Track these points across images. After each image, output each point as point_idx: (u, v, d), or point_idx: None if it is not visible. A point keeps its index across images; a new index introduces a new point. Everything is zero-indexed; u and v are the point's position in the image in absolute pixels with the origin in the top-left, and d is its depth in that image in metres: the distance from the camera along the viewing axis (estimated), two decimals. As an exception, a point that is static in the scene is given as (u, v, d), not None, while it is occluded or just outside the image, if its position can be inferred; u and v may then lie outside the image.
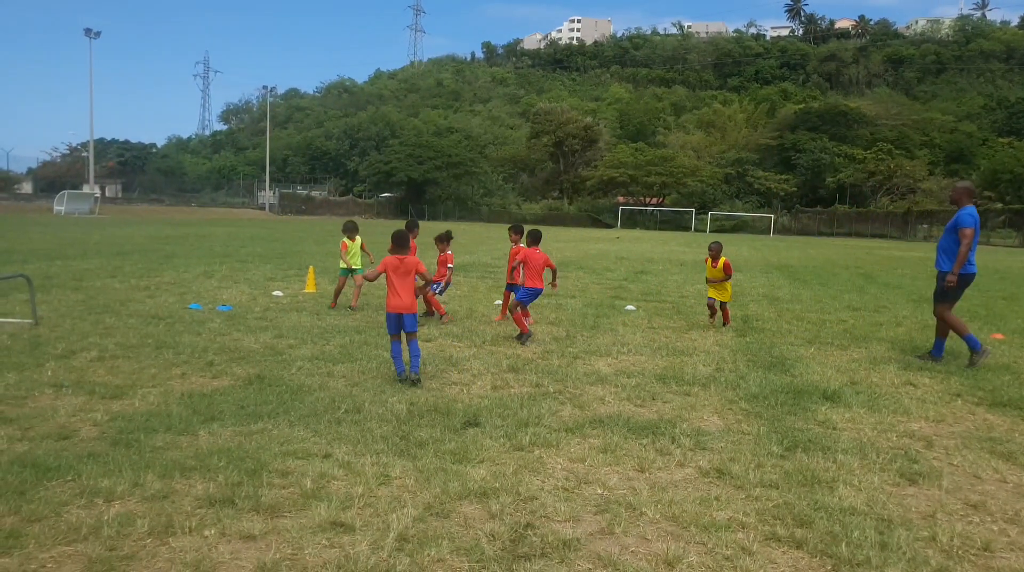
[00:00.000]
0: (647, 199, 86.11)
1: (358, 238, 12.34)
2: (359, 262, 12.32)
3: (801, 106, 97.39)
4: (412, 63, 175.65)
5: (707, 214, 77.12)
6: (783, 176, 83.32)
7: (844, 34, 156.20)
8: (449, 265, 11.09)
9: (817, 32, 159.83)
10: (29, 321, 9.15)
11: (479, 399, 6.48)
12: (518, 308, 9.45)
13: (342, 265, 12.25)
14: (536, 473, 4.78)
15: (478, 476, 4.64)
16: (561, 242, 37.09)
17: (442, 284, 10.96)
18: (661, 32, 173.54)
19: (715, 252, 10.75)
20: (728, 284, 10.88)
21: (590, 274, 19.29)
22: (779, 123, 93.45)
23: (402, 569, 3.47)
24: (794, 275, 21.51)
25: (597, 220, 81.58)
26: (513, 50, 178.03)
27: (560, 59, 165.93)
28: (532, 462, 4.96)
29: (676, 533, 3.98)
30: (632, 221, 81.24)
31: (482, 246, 32.25)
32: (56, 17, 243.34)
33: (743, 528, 4.05)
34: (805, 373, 7.93)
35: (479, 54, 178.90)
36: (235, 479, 4.44)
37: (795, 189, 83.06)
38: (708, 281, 10.98)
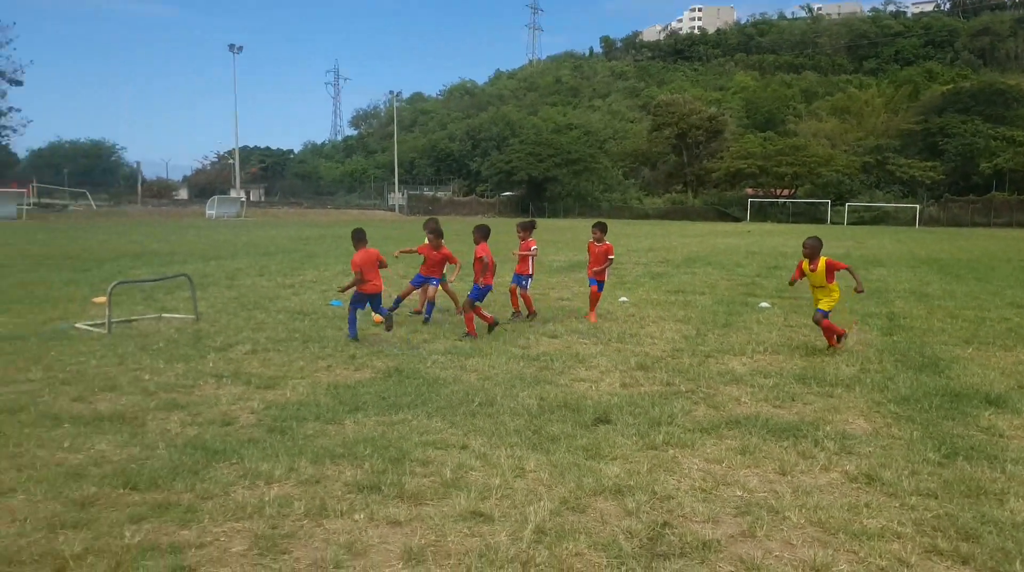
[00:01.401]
0: (777, 191, 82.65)
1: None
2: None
3: (949, 86, 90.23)
4: (531, 62, 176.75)
5: (844, 205, 72.98)
6: (929, 163, 77.51)
7: (999, 5, 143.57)
8: (532, 253, 10.24)
9: (967, 5, 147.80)
10: (191, 317, 9.98)
11: (609, 396, 6.47)
12: (471, 307, 9.15)
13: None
14: (671, 472, 4.73)
15: (612, 473, 4.65)
16: (687, 237, 36.30)
17: (527, 278, 10.36)
18: (788, 16, 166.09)
19: (812, 250, 8.50)
20: (835, 287, 8.55)
21: (719, 270, 18.77)
22: (923, 106, 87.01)
23: (541, 561, 3.54)
24: (945, 269, 20.02)
25: (724, 213, 79.09)
26: (632, 43, 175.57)
27: (681, 49, 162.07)
28: (667, 461, 4.92)
29: (823, 540, 3.83)
30: (762, 214, 78.18)
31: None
32: (203, 35, 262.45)
33: (899, 538, 3.84)
34: (963, 375, 7.39)
35: (597, 49, 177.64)
36: (380, 467, 4.66)
37: (943, 177, 77.04)
38: (813, 287, 8.70)
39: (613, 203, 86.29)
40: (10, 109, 67.68)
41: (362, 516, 3.99)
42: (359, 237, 8.97)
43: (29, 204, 52.55)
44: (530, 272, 10.35)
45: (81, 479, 4.38)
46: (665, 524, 3.96)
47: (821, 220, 73.59)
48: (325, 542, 3.69)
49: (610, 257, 10.56)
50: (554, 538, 3.76)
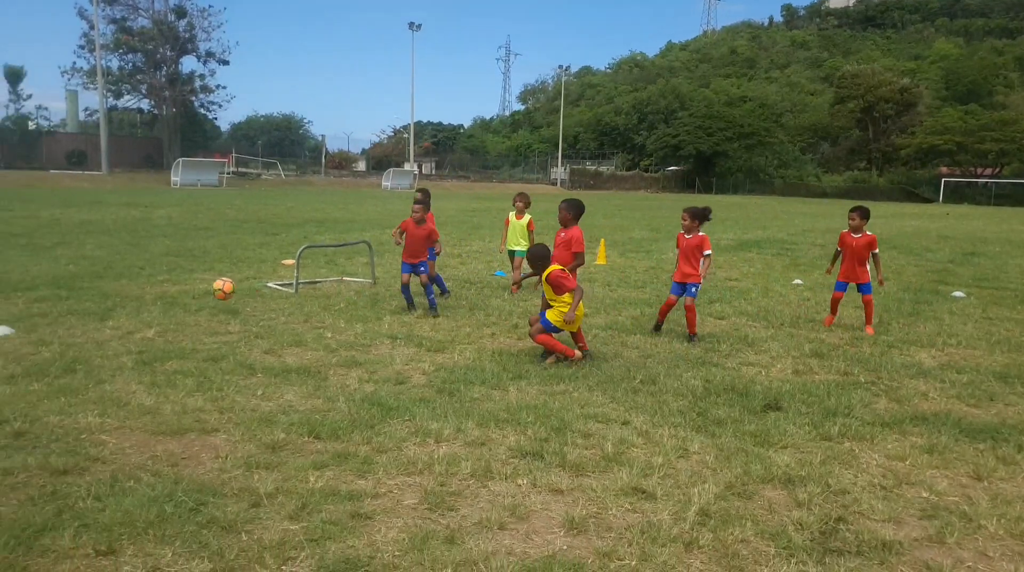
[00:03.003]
0: (978, 170, 74.79)
1: (527, 215, 10.46)
2: (520, 243, 10.38)
3: None
4: (705, 32, 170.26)
5: (1059, 187, 64.81)
6: None
7: None
8: (706, 255, 7.62)
9: None
10: (369, 281, 10.62)
11: (780, 383, 6.18)
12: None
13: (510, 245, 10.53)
14: (848, 466, 4.45)
15: (782, 461, 4.45)
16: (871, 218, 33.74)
17: (695, 286, 7.65)
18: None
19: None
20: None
21: (906, 254, 17.32)
22: None
23: (705, 543, 3.46)
24: None
25: (912, 193, 72.70)
26: (817, 11, 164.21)
27: (872, 16, 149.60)
28: (842, 454, 4.63)
29: (1025, 554, 3.46)
30: (957, 195, 71.13)
31: (776, 221, 30.51)
32: (387, 14, 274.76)
33: (1118, 561, 3.40)
34: None
35: (778, 18, 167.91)
36: (543, 435, 4.74)
37: None
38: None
39: (787, 180, 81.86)
40: (218, 86, 74.38)
41: (525, 481, 4.08)
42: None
43: (228, 172, 57.81)
44: (701, 277, 7.65)
45: (272, 425, 4.80)
46: (839, 519, 3.74)
47: (1030, 203, 65.85)
48: (490, 503, 3.81)
49: (874, 250, 8.30)
50: (719, 522, 3.66)
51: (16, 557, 3.13)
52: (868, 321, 8.38)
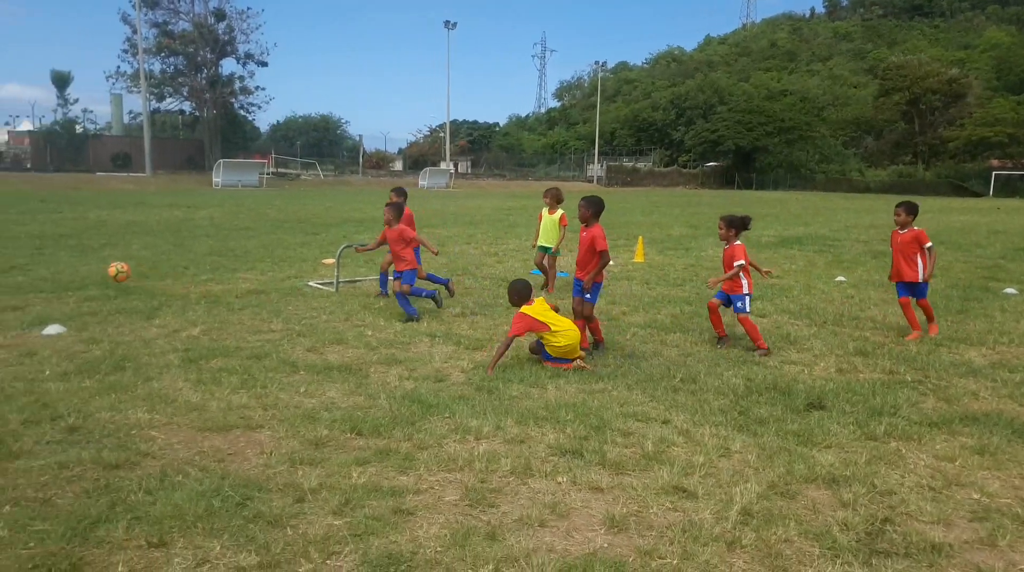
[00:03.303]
0: (1031, 163, 72.48)
1: (559, 210, 10.31)
2: (550, 239, 10.27)
3: None
4: (744, 26, 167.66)
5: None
6: None
7: None
8: (740, 267, 7.17)
9: None
10: (406, 279, 10.69)
11: (823, 381, 6.09)
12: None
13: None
14: (894, 466, 4.36)
15: (826, 461, 4.39)
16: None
17: (742, 298, 7.17)
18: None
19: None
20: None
21: (954, 250, 16.88)
22: None
23: (748, 543, 3.43)
24: None
25: (961, 187, 70.75)
26: (861, 0, 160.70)
27: (919, 5, 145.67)
28: (888, 454, 4.54)
29: (1082, 558, 3.36)
30: (1009, 188, 68.96)
31: (818, 217, 29.97)
32: (422, 14, 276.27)
33: None
34: None
35: (819, 9, 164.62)
36: (582, 433, 4.74)
37: None
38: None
39: (830, 175, 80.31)
40: (257, 88, 75.58)
41: (565, 479, 4.08)
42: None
43: (268, 173, 58.72)
44: (744, 291, 7.15)
45: (315, 421, 4.87)
46: (886, 520, 3.68)
47: (1085, 196, 63.74)
48: (530, 500, 3.82)
49: (927, 245, 7.69)
50: (761, 521, 3.63)
51: (73, 548, 3.24)
52: (930, 320, 7.91)
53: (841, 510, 3.79)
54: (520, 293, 6.48)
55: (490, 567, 3.17)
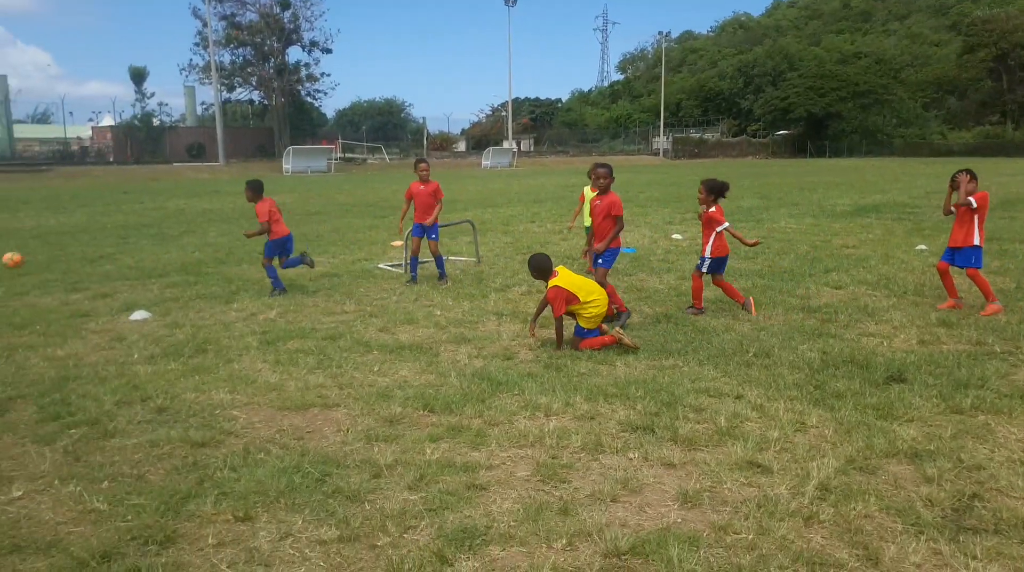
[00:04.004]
0: None
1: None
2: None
3: None
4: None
5: None
6: None
7: None
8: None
9: None
10: (474, 260, 10.80)
11: (903, 353, 5.88)
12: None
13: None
14: (982, 441, 4.19)
15: (908, 435, 4.25)
16: (1003, 175, 31.28)
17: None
18: None
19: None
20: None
21: (1044, 214, 15.97)
22: None
23: (826, 518, 3.36)
24: None
25: (1053, 148, 66.75)
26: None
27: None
28: (976, 428, 4.37)
29: None
30: (1105, 147, 64.77)
31: (896, 184, 28.78)
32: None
33: None
34: None
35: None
36: (652, 409, 4.71)
37: None
38: None
39: (908, 139, 76.89)
40: (322, 74, 76.77)
41: (636, 455, 4.07)
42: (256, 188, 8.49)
43: (336, 158, 59.80)
44: (707, 254, 7.37)
45: (389, 399, 4.99)
46: (974, 496, 3.54)
47: None
48: (602, 476, 3.83)
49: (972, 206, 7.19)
50: (840, 497, 3.54)
51: (167, 521, 3.41)
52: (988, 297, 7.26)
53: (925, 485, 3.67)
54: (542, 266, 6.36)
55: (563, 541, 3.19)
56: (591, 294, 6.20)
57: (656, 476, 3.84)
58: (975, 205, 7.18)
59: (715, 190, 7.44)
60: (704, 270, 7.43)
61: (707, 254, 7.37)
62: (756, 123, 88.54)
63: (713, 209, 7.39)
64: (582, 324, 6.25)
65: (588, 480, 3.79)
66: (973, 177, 7.36)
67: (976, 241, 7.24)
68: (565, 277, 6.23)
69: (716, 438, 4.27)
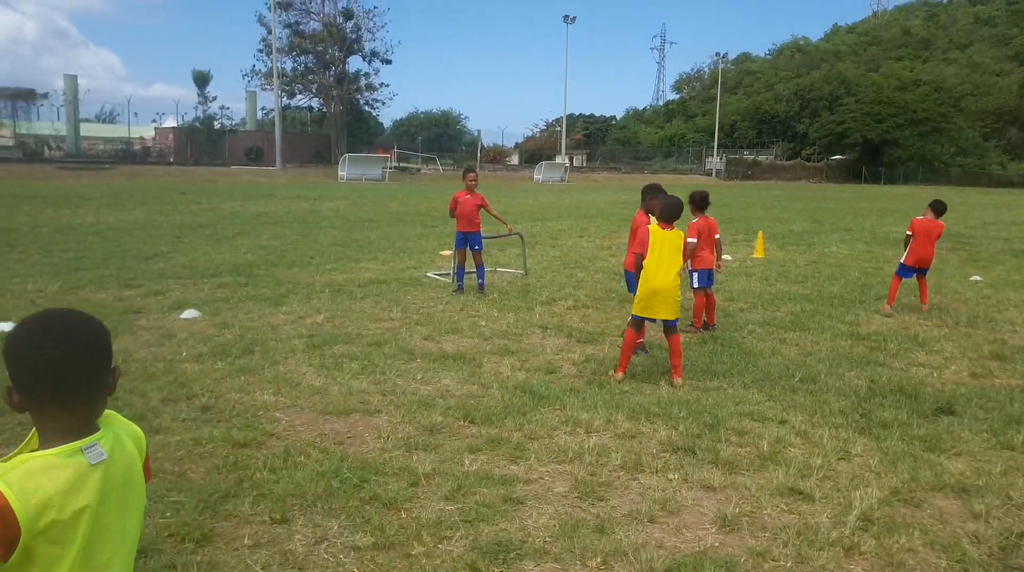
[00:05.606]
0: None
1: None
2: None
3: None
4: (875, 13, 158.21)
5: None
6: None
7: None
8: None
9: None
10: (521, 272, 10.86)
11: (954, 385, 5.73)
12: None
13: None
14: (1035, 480, 4.06)
15: (955, 469, 4.14)
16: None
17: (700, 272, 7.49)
18: None
19: None
20: None
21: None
22: None
23: (867, 550, 3.29)
24: None
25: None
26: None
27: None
28: (1029, 466, 4.23)
29: None
30: None
31: (952, 213, 27.98)
32: (541, 8, 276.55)
33: None
34: None
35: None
36: (695, 430, 4.67)
37: None
38: None
39: (967, 169, 74.79)
40: (381, 84, 77.98)
41: (676, 476, 4.04)
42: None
43: (391, 167, 60.56)
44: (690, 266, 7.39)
45: (430, 408, 5.03)
46: (1022, 534, 3.43)
47: None
48: (640, 496, 3.81)
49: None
50: (883, 528, 3.47)
51: (204, 519, 3.49)
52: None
53: (972, 521, 3.57)
54: (673, 208, 5.97)
55: (598, 559, 3.19)
56: (655, 256, 5.76)
57: (695, 498, 3.80)
58: None
59: (694, 201, 7.62)
60: (696, 285, 7.49)
61: (688, 267, 7.24)
62: (811, 147, 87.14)
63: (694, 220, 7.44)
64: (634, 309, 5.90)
65: (626, 499, 3.78)
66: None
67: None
68: (656, 230, 5.84)
69: (758, 462, 4.22)
